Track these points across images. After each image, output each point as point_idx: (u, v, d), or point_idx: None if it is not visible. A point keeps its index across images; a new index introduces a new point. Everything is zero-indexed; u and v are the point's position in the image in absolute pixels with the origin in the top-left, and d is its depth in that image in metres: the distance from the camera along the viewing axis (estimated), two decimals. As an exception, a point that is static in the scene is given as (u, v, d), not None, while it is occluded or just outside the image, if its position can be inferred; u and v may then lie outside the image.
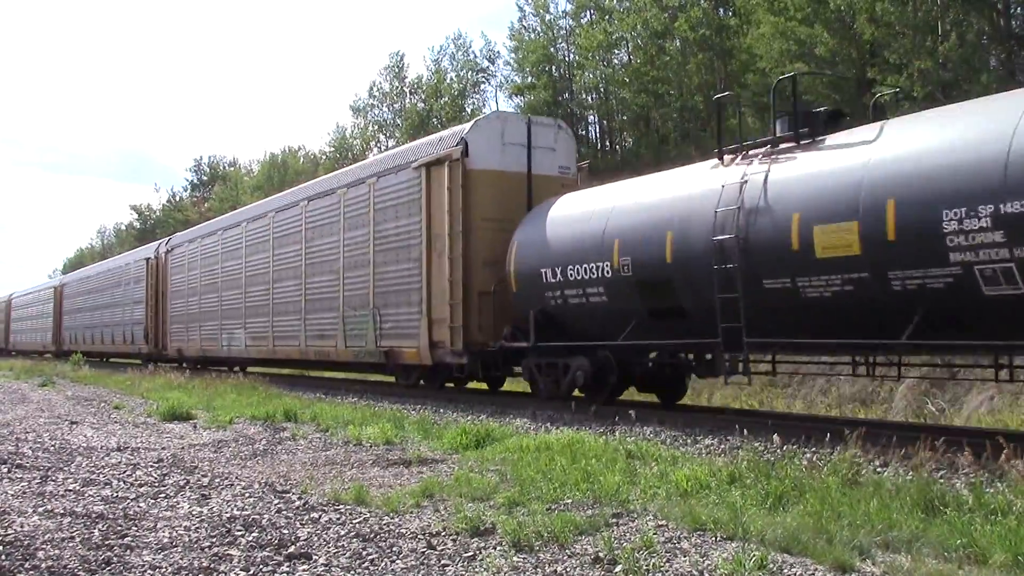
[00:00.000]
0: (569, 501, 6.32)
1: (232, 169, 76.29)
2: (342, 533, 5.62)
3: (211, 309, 26.38)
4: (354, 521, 5.95)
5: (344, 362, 19.42)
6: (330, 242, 18.96)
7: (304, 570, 4.84)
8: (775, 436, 7.83)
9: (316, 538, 5.49)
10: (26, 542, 5.36)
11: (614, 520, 5.75)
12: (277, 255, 21.90)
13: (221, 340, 25.51)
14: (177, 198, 79.94)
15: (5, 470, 8.11)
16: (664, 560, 4.83)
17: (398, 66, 51.28)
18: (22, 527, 5.77)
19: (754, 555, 4.70)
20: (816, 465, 6.72)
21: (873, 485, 6.11)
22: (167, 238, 33.54)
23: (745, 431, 8.41)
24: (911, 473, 6.31)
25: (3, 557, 5.01)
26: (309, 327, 19.88)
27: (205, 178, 78.14)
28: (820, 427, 8.60)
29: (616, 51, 35.52)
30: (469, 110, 44.63)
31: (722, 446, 8.48)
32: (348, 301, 17.91)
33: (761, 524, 5.30)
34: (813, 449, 7.80)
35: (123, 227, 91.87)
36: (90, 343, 39.13)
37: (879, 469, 6.88)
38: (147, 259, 32.22)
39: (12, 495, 6.91)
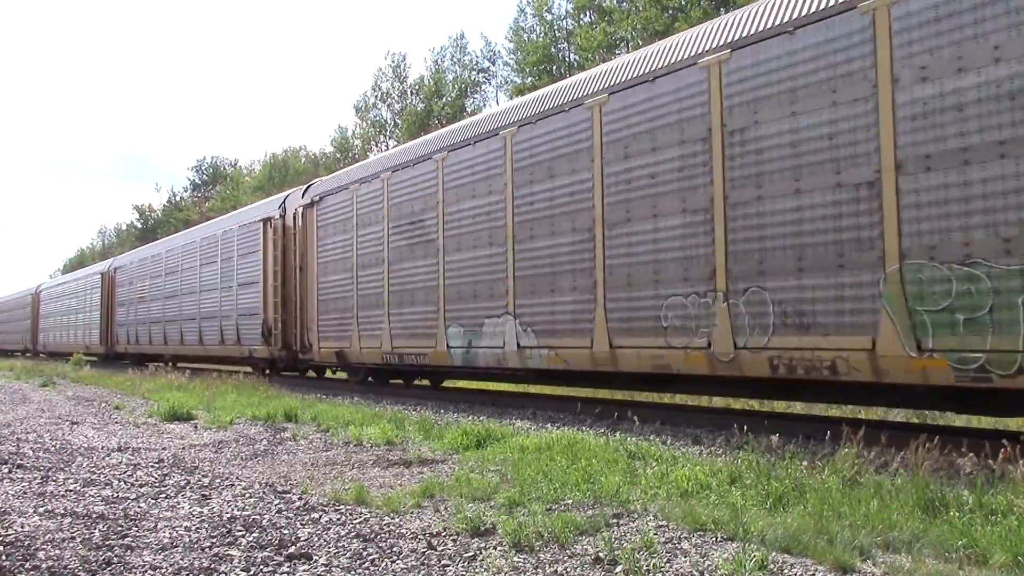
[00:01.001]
0: (569, 501, 6.32)
1: (233, 169, 76.31)
2: (342, 533, 5.62)
3: (420, 284, 15.47)
4: (354, 521, 5.95)
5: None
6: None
7: (304, 570, 4.84)
8: (775, 436, 7.83)
9: (316, 538, 5.49)
10: (27, 542, 5.37)
11: (614, 520, 5.75)
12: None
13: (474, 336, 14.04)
14: (178, 198, 79.98)
15: (6, 470, 8.12)
16: (664, 560, 4.83)
17: (399, 66, 51.38)
18: (23, 527, 5.78)
19: (754, 555, 4.70)
20: (816, 465, 6.72)
21: (873, 485, 6.12)
22: (303, 187, 21.96)
23: (746, 429, 8.39)
24: (911, 473, 6.31)
25: (4, 557, 5.02)
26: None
27: (207, 178, 78.16)
28: (820, 427, 8.60)
29: (616, 51, 35.55)
30: (469, 110, 44.70)
31: (722, 446, 8.48)
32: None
33: (761, 524, 5.30)
34: (813, 449, 7.80)
35: (124, 227, 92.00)
36: (159, 342, 30.25)
37: (879, 469, 6.88)
38: (265, 219, 22.06)
39: (13, 495, 6.92)
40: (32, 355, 51.06)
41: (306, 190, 20.99)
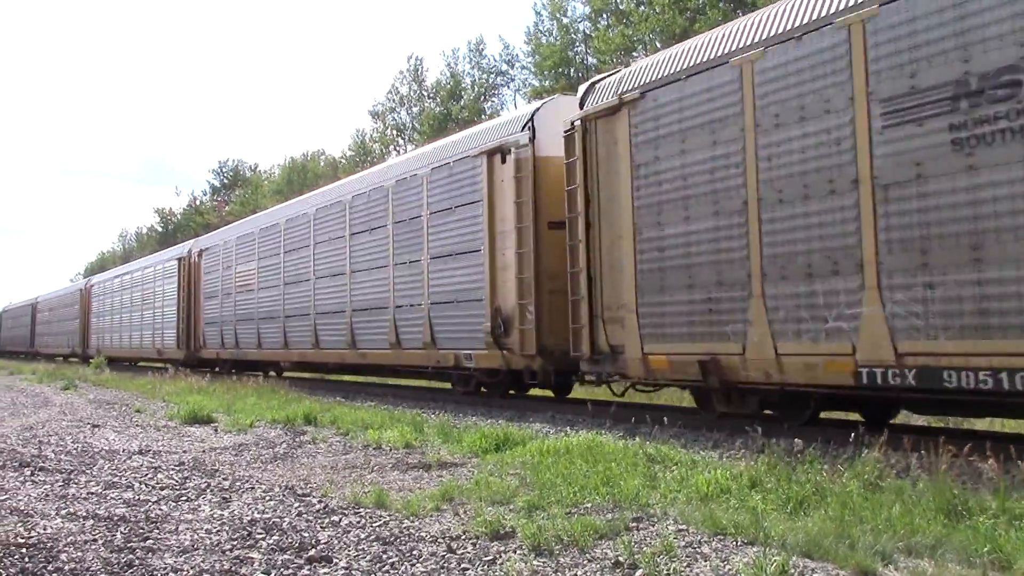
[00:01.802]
0: (589, 505, 6.31)
1: (253, 173, 76.65)
2: (362, 536, 5.63)
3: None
4: (374, 524, 5.96)
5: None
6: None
7: (325, 573, 4.85)
8: (795, 440, 7.78)
9: (336, 541, 5.51)
10: (49, 544, 5.41)
11: (634, 524, 5.73)
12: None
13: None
14: (198, 202, 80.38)
15: (28, 473, 8.18)
16: (684, 565, 4.81)
17: (417, 69, 51.52)
18: (45, 529, 5.83)
19: (775, 560, 4.67)
20: (837, 469, 6.68)
21: (895, 490, 6.07)
22: (575, 93, 13.60)
23: (761, 431, 8.35)
24: (933, 478, 6.26)
25: (27, 559, 5.06)
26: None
27: (226, 181, 78.52)
28: (841, 431, 8.54)
29: (634, 54, 35.50)
30: (488, 113, 44.77)
31: (742, 450, 8.44)
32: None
33: (782, 528, 5.28)
34: (833, 453, 7.75)
35: (144, 230, 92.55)
36: (275, 345, 22.60)
37: (901, 474, 6.84)
38: (494, 150, 14.28)
39: (35, 498, 6.97)
40: (82, 361, 42.86)
41: (590, 87, 12.52)
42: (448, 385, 17.27)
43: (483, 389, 15.65)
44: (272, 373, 25.55)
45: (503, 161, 14.02)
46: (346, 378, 23.73)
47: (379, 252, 17.48)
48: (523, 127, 13.83)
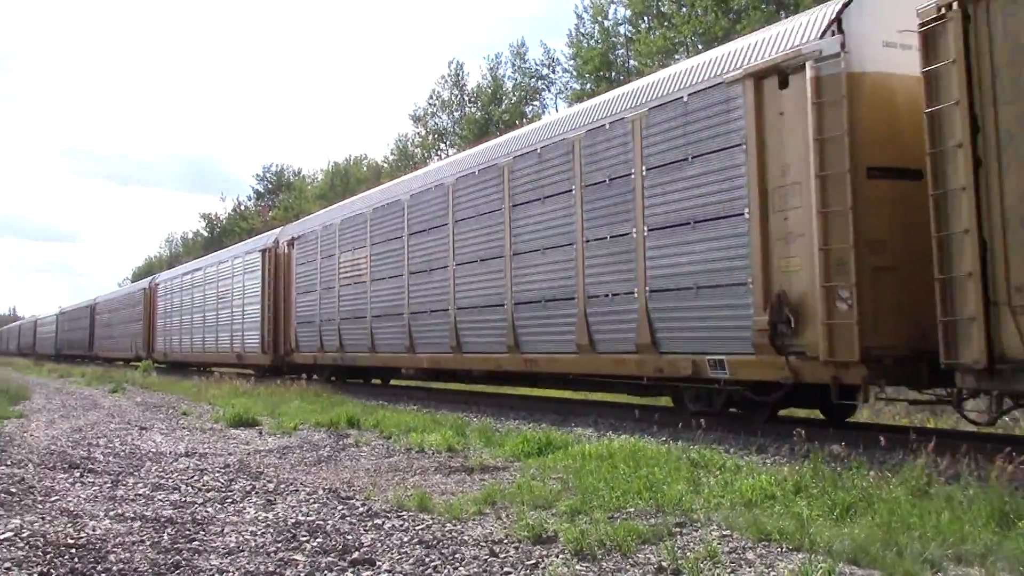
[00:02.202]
0: (632, 510, 6.28)
1: (297, 178, 77.31)
2: (405, 539, 5.64)
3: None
4: (417, 528, 5.97)
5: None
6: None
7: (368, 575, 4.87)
8: (840, 445, 7.69)
9: (379, 544, 5.53)
10: (98, 545, 5.49)
11: (677, 529, 5.69)
12: None
13: None
14: (242, 207, 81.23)
15: (78, 474, 8.32)
16: (729, 571, 4.77)
17: (458, 74, 51.70)
18: (94, 530, 5.92)
19: (821, 566, 4.61)
20: (884, 475, 6.59)
21: (944, 496, 5.97)
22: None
23: (806, 436, 8.24)
24: (984, 484, 6.14)
25: (76, 560, 5.14)
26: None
27: (270, 186, 79.27)
28: (887, 436, 8.41)
29: (676, 56, 35.33)
30: (529, 116, 44.79)
31: (787, 455, 8.36)
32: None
33: (828, 535, 5.21)
34: (880, 459, 7.65)
35: (191, 235, 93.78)
36: (394, 347, 18.24)
37: (950, 480, 6.72)
38: (753, 79, 10.20)
39: (84, 499, 7.08)
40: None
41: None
42: (658, 401, 13.70)
43: (734, 409, 11.60)
44: (376, 380, 22.78)
45: (783, 85, 9.89)
46: (411, 384, 21.69)
47: (558, 227, 13.35)
48: (823, 31, 9.55)
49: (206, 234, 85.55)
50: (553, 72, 47.16)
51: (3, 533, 5.76)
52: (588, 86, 39.79)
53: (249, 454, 9.89)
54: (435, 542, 5.57)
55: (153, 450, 10.20)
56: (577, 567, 4.90)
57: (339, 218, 21.46)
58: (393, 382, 22.77)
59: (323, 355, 21.80)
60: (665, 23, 35.67)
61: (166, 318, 36.86)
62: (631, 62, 38.83)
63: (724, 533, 5.57)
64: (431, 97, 52.79)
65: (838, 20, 9.39)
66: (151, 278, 42.66)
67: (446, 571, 4.94)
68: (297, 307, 23.29)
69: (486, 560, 5.12)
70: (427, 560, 5.15)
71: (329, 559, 5.19)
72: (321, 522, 6.18)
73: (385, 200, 19.32)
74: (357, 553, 5.29)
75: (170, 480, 8.05)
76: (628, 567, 4.92)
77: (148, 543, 5.57)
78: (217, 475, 8.34)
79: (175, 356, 35.15)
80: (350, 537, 5.72)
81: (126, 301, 45.57)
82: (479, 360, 15.59)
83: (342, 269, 20.69)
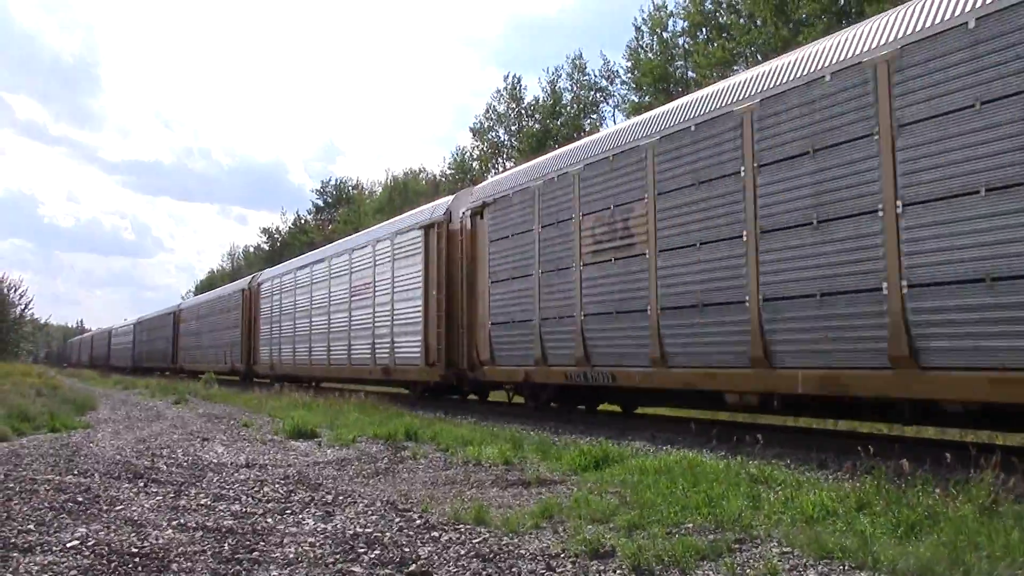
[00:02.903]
0: (690, 525, 6.20)
1: (356, 192, 78.17)
2: (462, 553, 5.64)
3: None
4: (474, 541, 5.97)
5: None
6: None
7: (425, 589, 4.88)
8: (904, 461, 7.52)
9: (437, 557, 5.54)
10: (161, 554, 5.58)
11: (737, 546, 5.61)
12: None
13: None
14: (302, 221, 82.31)
15: (142, 484, 8.47)
16: (790, 588, 4.69)
17: (515, 88, 51.96)
18: (157, 540, 6.01)
19: (886, 586, 4.51)
20: (950, 492, 6.43)
21: (1014, 515, 5.80)
22: None
23: (873, 452, 8.08)
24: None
25: (140, 568, 5.23)
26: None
27: (329, 200, 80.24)
28: (953, 452, 8.20)
29: (735, 68, 35.08)
30: (587, 129, 44.83)
31: (849, 471, 8.20)
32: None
33: (892, 553, 5.09)
34: (945, 475, 7.46)
35: (252, 249, 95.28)
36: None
37: (1020, 498, 6.54)
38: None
39: (148, 508, 7.20)
40: (244, 380, 34.37)
41: None
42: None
43: None
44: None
45: None
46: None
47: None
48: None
49: (267, 247, 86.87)
50: (611, 84, 47.20)
51: (70, 541, 5.89)
52: (646, 98, 39.73)
53: (308, 465, 9.98)
54: (492, 556, 5.56)
55: (215, 461, 10.35)
56: (635, 583, 4.86)
57: (582, 161, 14.17)
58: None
59: (543, 369, 15.10)
60: (724, 34, 35.47)
61: (272, 323, 30.79)
62: (690, 73, 38.67)
63: (784, 550, 5.48)
64: (487, 111, 53.23)
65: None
66: (250, 277, 37.08)
67: (503, 585, 4.93)
68: (492, 301, 16.58)
69: (543, 574, 5.10)
70: (484, 573, 5.14)
71: (387, 571, 5.21)
72: (379, 534, 6.21)
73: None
74: (414, 566, 5.30)
75: (231, 491, 8.15)
76: (687, 583, 4.86)
77: (209, 553, 5.64)
78: (277, 486, 8.43)
79: (286, 369, 29.14)
80: (407, 549, 5.74)
81: (218, 306, 39.27)
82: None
83: (585, 238, 13.90)
